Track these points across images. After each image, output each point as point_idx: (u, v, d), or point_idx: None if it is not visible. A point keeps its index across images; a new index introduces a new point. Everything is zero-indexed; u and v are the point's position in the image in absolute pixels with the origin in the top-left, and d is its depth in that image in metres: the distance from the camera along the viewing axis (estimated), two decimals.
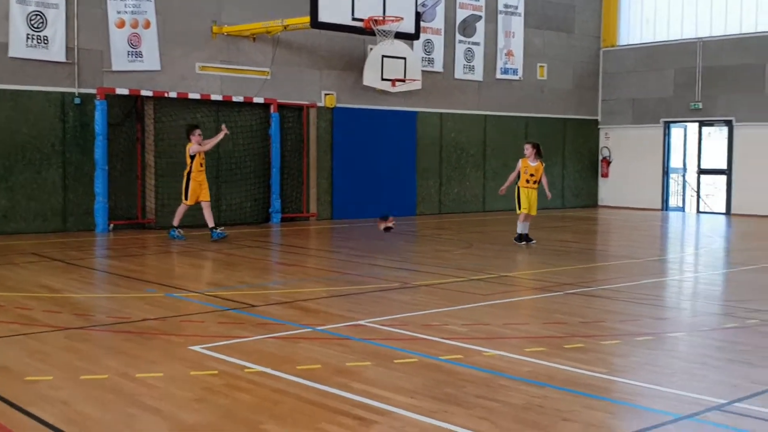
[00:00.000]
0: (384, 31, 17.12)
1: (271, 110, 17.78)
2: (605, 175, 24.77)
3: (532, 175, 13.94)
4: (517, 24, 22.59)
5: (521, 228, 14.02)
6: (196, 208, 14.44)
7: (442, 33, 20.93)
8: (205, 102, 16.94)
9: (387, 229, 15.76)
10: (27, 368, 5.88)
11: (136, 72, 16.20)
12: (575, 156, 24.24)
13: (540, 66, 23.30)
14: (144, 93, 16.06)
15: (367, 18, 16.78)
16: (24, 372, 5.77)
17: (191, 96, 16.62)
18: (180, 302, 8.54)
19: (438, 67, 20.90)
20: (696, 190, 23.47)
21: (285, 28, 17.04)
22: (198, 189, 14.24)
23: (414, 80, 18.94)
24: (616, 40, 24.70)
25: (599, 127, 24.86)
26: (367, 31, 17.02)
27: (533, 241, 14.02)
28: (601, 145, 24.84)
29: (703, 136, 23.28)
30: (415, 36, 18.35)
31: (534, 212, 14.08)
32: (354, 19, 16.73)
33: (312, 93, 18.72)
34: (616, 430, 4.74)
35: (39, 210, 15.26)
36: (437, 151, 21.12)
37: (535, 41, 23.09)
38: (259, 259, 12.63)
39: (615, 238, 17.39)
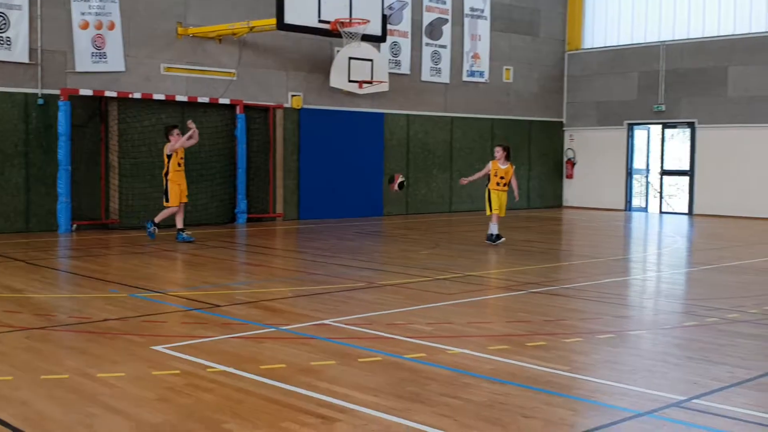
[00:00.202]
0: (350, 33, 17.14)
1: (237, 111, 17.72)
2: (570, 176, 25.00)
3: (502, 177, 14.03)
4: (484, 27, 22.72)
5: (494, 228, 14.10)
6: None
7: (409, 36, 21.00)
8: (170, 103, 16.83)
9: (400, 185, 15.48)
10: None
11: (100, 73, 16.05)
12: (540, 157, 24.44)
13: (506, 69, 23.46)
14: (108, 94, 15.92)
15: (333, 20, 16.80)
16: None
17: (156, 97, 16.51)
18: (143, 302, 8.47)
19: (405, 69, 20.96)
20: (659, 190, 23.77)
21: (251, 29, 16.99)
22: (178, 189, 14.04)
23: (381, 82, 18.98)
24: (581, 44, 24.94)
25: (564, 129, 25.09)
26: (333, 33, 17.03)
27: (503, 239, 14.13)
28: (565, 146, 25.07)
29: (666, 138, 23.61)
30: (381, 38, 18.40)
31: (503, 213, 14.21)
32: (320, 21, 16.74)
33: (278, 94, 18.68)
34: (577, 427, 4.79)
35: (1, 210, 15.06)
36: (404, 153, 21.18)
37: (501, 44, 23.24)
38: (225, 259, 12.57)
39: (579, 238, 17.56)
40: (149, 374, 5.67)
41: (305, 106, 19.07)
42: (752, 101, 21.31)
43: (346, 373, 5.78)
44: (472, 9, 22.40)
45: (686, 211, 22.81)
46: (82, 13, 15.78)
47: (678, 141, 24.79)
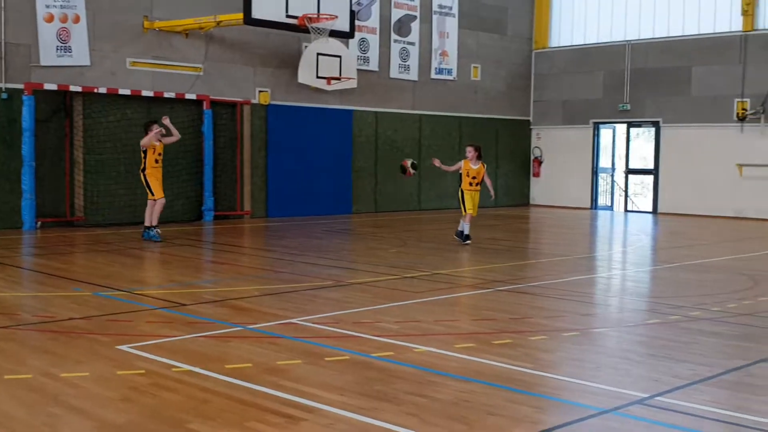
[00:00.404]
0: (318, 29, 17.11)
1: (204, 107, 17.59)
2: (537, 175, 25.17)
3: (474, 177, 14.03)
4: (452, 25, 22.78)
5: (466, 228, 14.06)
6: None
7: (378, 32, 20.99)
8: (135, 98, 16.67)
9: (414, 166, 15.06)
10: None
11: (65, 67, 15.85)
12: (508, 156, 24.56)
13: (474, 67, 23.54)
14: (73, 88, 15.73)
15: (301, 15, 16.75)
16: None
17: (121, 92, 16.34)
18: (108, 301, 8.39)
19: (373, 66, 20.96)
20: (624, 189, 24.02)
21: (218, 24, 16.89)
22: (159, 182, 13.82)
23: (349, 79, 18.94)
24: (548, 42, 25.10)
25: (531, 127, 25.24)
26: (301, 28, 16.98)
27: (470, 241, 14.10)
28: (532, 145, 25.23)
29: (631, 137, 23.86)
30: (350, 34, 18.38)
31: (475, 213, 14.19)
32: (288, 16, 16.69)
33: (246, 90, 18.58)
34: (541, 424, 4.83)
35: None
36: (373, 150, 21.18)
37: (469, 42, 23.32)
38: (191, 257, 12.49)
39: (545, 237, 17.69)
40: (113, 374, 5.62)
41: (273, 102, 18.99)
42: (715, 101, 21.60)
43: (312, 372, 5.77)
44: (440, 6, 22.45)
45: (651, 209, 23.08)
46: (47, 6, 15.56)
47: (643, 140, 25.06)
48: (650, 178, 23.31)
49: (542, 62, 25.03)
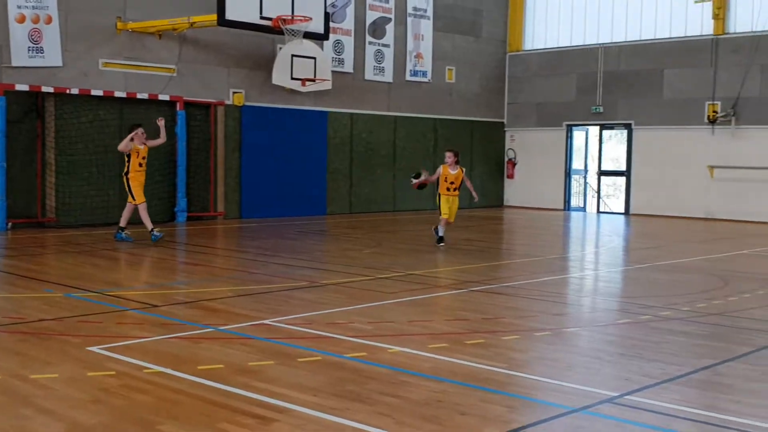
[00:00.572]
0: (293, 31, 17.08)
1: (177, 108, 17.50)
2: (510, 176, 25.29)
3: (452, 182, 14.01)
4: (426, 27, 22.84)
5: (441, 230, 14.06)
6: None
7: (352, 34, 21.00)
8: (108, 99, 16.55)
9: (418, 176, 14.57)
10: None
11: (37, 68, 15.70)
12: (482, 157, 24.65)
13: (449, 69, 23.61)
14: (45, 89, 15.60)
15: (275, 17, 16.71)
16: None
17: (94, 93, 16.22)
18: (79, 302, 8.33)
19: (348, 67, 20.95)
20: (597, 190, 24.20)
21: (192, 25, 16.80)
22: (140, 186, 13.66)
23: (324, 80, 18.92)
24: (522, 45, 25.24)
25: (505, 129, 25.35)
26: (275, 30, 16.95)
27: (443, 243, 14.07)
28: (506, 147, 25.34)
29: (604, 139, 24.05)
30: (324, 36, 18.37)
31: (452, 219, 14.18)
32: (262, 17, 16.65)
33: (220, 91, 18.51)
34: (513, 424, 4.85)
35: None
36: (348, 151, 21.17)
37: (443, 44, 23.39)
38: (164, 258, 12.42)
39: (519, 238, 17.79)
40: (84, 375, 5.58)
41: (247, 104, 18.93)
42: (686, 103, 21.82)
43: (285, 373, 5.76)
44: (415, 8, 22.50)
45: (623, 210, 23.27)
46: (19, 6, 15.41)
47: (615, 142, 25.27)
48: (622, 179, 23.50)
49: (516, 65, 25.15)
